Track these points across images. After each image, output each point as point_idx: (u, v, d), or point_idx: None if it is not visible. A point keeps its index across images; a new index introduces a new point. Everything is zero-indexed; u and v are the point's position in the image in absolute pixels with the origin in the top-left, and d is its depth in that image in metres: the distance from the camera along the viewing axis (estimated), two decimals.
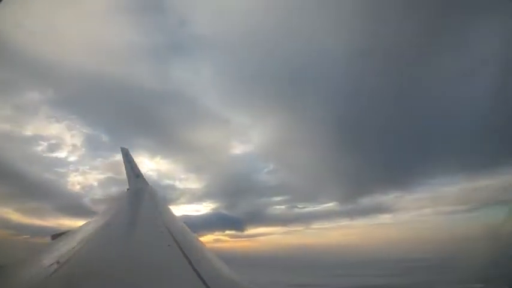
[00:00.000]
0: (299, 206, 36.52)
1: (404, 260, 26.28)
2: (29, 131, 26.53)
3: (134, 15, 27.43)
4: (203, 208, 31.22)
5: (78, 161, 30.25)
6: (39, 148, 28.12)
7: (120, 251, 3.90)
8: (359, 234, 39.44)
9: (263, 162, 38.49)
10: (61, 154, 29.74)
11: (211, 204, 32.26)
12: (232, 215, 31.43)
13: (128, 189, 10.59)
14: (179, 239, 4.42)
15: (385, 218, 36.73)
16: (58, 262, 3.23)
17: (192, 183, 32.75)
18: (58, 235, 5.76)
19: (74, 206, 23.38)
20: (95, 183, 29.42)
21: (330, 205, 35.92)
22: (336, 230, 38.90)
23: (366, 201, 34.80)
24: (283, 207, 36.73)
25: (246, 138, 36.01)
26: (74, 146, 30.08)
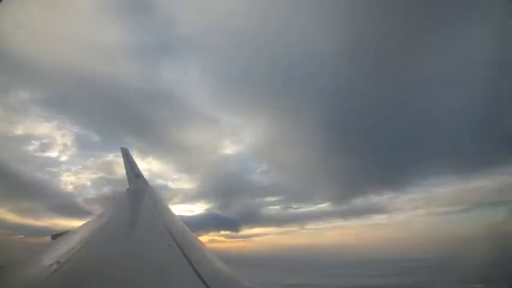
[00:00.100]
0: (293, 207, 36.63)
1: (400, 260, 26.31)
2: (20, 130, 26.53)
3: (122, 15, 27.59)
4: (197, 208, 31.23)
5: (69, 161, 30.37)
6: (31, 147, 28.17)
7: (120, 251, 3.90)
8: (354, 235, 39.61)
9: (255, 162, 38.62)
10: (52, 154, 29.88)
11: (204, 205, 32.30)
12: (226, 216, 31.46)
13: (127, 189, 10.59)
14: (179, 239, 4.42)
15: (379, 218, 37.04)
16: (58, 262, 3.23)
17: (184, 183, 32.80)
18: (58, 235, 5.77)
19: (67, 205, 23.38)
20: (88, 183, 29.51)
21: (324, 206, 36.10)
22: (331, 231, 39.07)
23: (359, 201, 35.07)
24: (277, 207, 36.84)
25: (238, 138, 36.20)
26: (64, 145, 30.22)
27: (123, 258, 3.61)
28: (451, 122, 24.87)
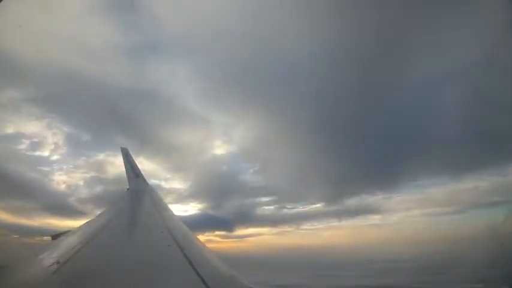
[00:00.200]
0: (288, 207, 36.64)
1: (395, 260, 26.33)
2: (10, 129, 26.45)
3: (112, 14, 27.50)
4: (190, 208, 31.16)
5: (61, 160, 30.16)
6: (22, 146, 28.19)
7: (120, 251, 3.91)
8: (349, 235, 39.61)
9: (248, 162, 38.49)
10: (44, 153, 29.65)
11: (198, 205, 32.19)
12: (221, 216, 31.32)
13: (127, 189, 10.60)
14: (179, 239, 4.42)
15: (374, 218, 37.06)
16: (58, 262, 3.23)
17: (177, 183, 32.55)
18: (58, 235, 5.77)
19: (60, 205, 23.27)
20: (80, 182, 29.42)
21: (318, 206, 36.13)
22: (327, 231, 39.05)
23: (353, 202, 35.10)
24: (272, 207, 36.71)
25: (230, 138, 36.06)
26: (55, 144, 30.03)
27: (123, 258, 3.62)
28: (442, 123, 24.92)
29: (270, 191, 35.94)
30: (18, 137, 26.90)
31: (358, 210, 35.74)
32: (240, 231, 35.11)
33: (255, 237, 38.25)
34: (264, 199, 35.99)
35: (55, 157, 29.44)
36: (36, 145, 28.70)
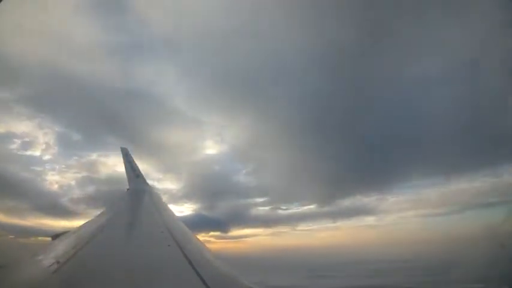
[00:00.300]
0: (282, 208, 36.62)
1: (391, 261, 26.32)
2: (1, 128, 26.41)
3: (100, 15, 27.50)
4: (185, 209, 31.13)
5: (52, 160, 30.28)
6: (14, 146, 28.13)
7: (120, 251, 3.91)
8: (345, 236, 39.74)
9: (240, 163, 38.61)
10: (35, 152, 29.74)
11: (192, 205, 32.08)
12: (215, 217, 31.29)
13: (128, 189, 10.58)
14: (179, 239, 4.42)
15: (369, 219, 37.25)
16: (58, 262, 3.23)
17: (170, 183, 32.55)
18: (58, 235, 5.76)
19: (53, 205, 23.27)
20: (72, 182, 29.46)
21: (312, 207, 36.19)
22: (322, 232, 39.26)
23: (347, 203, 35.42)
24: (266, 208, 36.79)
25: (221, 138, 36.17)
26: (47, 144, 30.08)
27: (123, 258, 3.62)
28: (437, 124, 24.96)
29: (263, 192, 36.08)
30: (9, 136, 26.91)
31: (353, 211, 36.02)
32: (235, 232, 35.18)
33: (250, 238, 38.42)
34: (258, 200, 36.08)
35: (47, 157, 29.58)
36: (27, 144, 28.80)
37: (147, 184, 11.07)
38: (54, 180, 29.68)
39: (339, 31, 24.68)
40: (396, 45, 24.99)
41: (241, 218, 34.92)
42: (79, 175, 29.81)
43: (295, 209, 37.58)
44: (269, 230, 40.10)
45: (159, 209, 7.33)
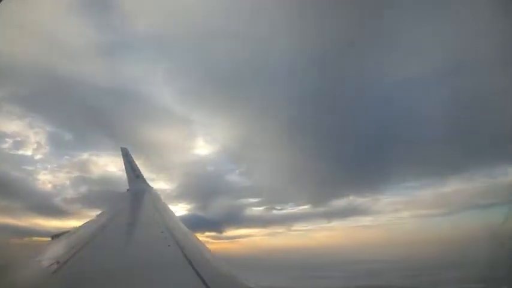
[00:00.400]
0: (277, 208, 36.52)
1: (387, 261, 26.28)
2: None
3: (89, 13, 27.37)
4: (179, 209, 31.03)
5: (44, 159, 30.01)
6: (5, 145, 28.15)
7: (120, 251, 3.91)
8: (341, 236, 39.64)
9: (234, 163, 38.34)
10: (27, 152, 29.59)
11: (187, 206, 31.93)
12: (210, 217, 31.14)
13: (128, 190, 10.60)
14: (179, 239, 4.42)
15: (365, 220, 37.15)
16: (58, 262, 3.23)
17: (164, 184, 32.48)
18: (58, 235, 5.76)
19: (46, 205, 23.09)
20: (65, 182, 29.33)
21: (306, 207, 36.11)
22: (318, 232, 39.09)
23: (342, 203, 35.25)
24: (261, 208, 36.60)
25: (214, 138, 35.90)
26: (38, 143, 30.00)
27: (123, 258, 3.62)
28: (431, 124, 24.92)
29: (257, 192, 35.92)
30: (0, 135, 26.90)
31: (347, 212, 35.94)
32: (230, 232, 34.93)
33: (245, 238, 38.16)
34: (253, 200, 35.96)
35: (38, 156, 29.45)
36: (19, 144, 28.71)
37: (148, 184, 11.08)
38: (46, 179, 29.68)
39: (336, 30, 24.67)
40: (394, 44, 24.97)
41: (236, 219, 34.83)
42: (71, 175, 29.79)
43: (290, 209, 37.45)
44: (264, 231, 39.99)
45: (159, 209, 7.33)
